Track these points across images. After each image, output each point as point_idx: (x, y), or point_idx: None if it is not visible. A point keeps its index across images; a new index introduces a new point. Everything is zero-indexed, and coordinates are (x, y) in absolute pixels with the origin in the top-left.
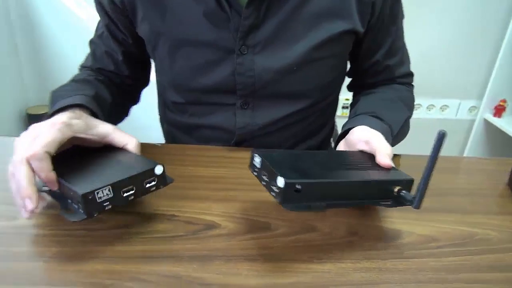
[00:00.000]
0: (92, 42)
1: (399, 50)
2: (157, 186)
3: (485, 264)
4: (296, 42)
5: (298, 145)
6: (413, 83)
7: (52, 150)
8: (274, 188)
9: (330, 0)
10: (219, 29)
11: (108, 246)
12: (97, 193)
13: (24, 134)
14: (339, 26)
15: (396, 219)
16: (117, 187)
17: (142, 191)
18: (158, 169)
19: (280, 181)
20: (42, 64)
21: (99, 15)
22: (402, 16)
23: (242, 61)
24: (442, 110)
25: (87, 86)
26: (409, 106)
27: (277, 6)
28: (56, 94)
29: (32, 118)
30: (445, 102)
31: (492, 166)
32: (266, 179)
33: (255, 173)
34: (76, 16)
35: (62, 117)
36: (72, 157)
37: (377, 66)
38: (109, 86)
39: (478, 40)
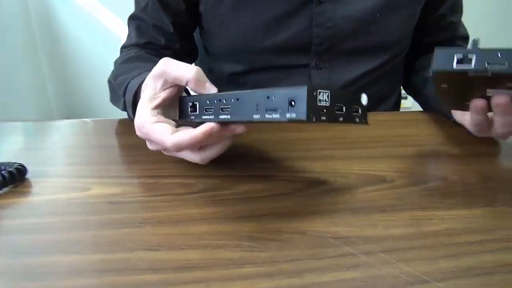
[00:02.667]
0: (133, 18)
1: (460, 10)
2: (360, 120)
3: None
4: None
5: (371, 110)
6: None
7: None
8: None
9: None
10: None
11: (204, 209)
12: (319, 93)
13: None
14: None
15: None
16: (334, 97)
17: (349, 118)
18: (364, 99)
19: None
20: (65, 79)
21: None
22: None
23: (321, 10)
24: None
25: (144, 63)
26: None
27: None
28: (119, 80)
29: None
30: None
31: None
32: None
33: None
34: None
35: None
36: None
37: (442, 21)
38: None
39: None
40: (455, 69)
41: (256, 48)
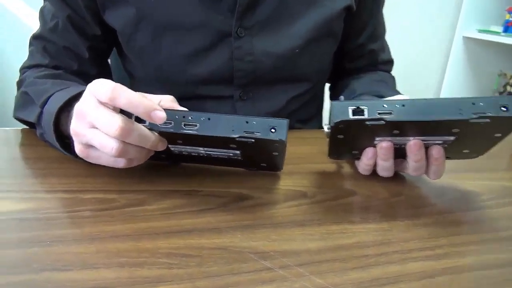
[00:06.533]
0: (38, 38)
1: (381, 36)
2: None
3: None
4: (297, 21)
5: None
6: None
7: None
8: None
9: None
10: (208, 9)
11: (124, 225)
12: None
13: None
14: (339, 2)
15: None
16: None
17: None
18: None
19: None
20: None
21: (52, 4)
22: (383, 2)
23: (240, 44)
24: None
25: (61, 80)
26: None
27: None
28: (35, 91)
29: None
30: None
31: None
32: None
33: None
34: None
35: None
36: None
37: (361, 50)
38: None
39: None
40: (351, 118)
41: (178, 79)
